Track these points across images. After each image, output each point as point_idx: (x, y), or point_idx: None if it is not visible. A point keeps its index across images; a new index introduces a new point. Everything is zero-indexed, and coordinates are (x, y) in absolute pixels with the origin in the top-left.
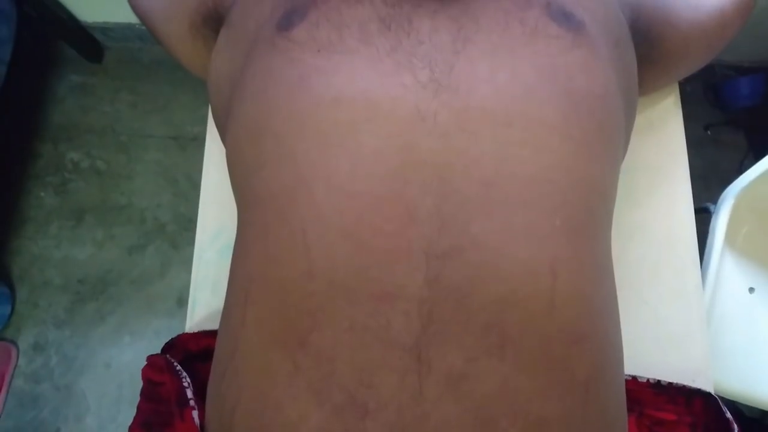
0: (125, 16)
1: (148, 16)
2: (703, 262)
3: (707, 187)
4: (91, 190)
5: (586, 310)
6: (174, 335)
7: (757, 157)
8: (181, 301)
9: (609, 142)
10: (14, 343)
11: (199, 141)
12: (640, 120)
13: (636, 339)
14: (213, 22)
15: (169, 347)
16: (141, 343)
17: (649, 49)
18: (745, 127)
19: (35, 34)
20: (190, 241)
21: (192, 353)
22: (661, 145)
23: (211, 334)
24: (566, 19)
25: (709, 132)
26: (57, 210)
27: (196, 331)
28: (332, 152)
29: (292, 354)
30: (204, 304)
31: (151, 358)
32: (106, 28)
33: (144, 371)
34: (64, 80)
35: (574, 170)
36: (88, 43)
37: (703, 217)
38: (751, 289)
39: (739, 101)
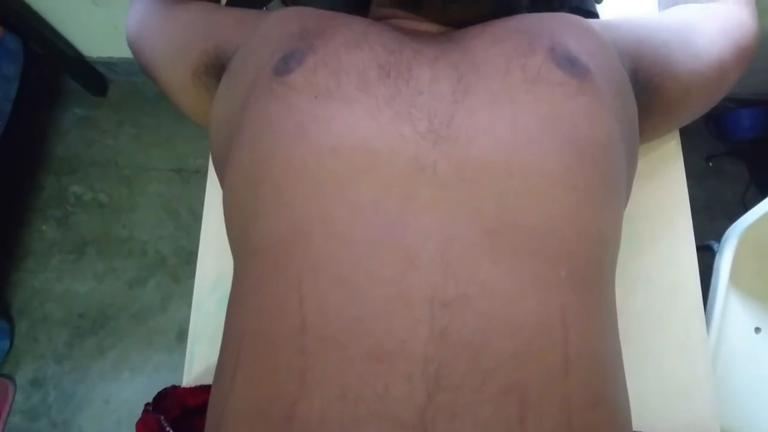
0: (130, 51)
1: (150, 64)
2: (708, 302)
3: (710, 219)
4: (93, 223)
5: (600, 368)
6: (173, 371)
7: (760, 189)
8: (181, 336)
9: (612, 192)
10: (11, 379)
11: (202, 174)
12: (640, 166)
13: (640, 393)
14: (215, 71)
15: (164, 397)
16: (140, 379)
17: (649, 99)
18: (747, 159)
19: (40, 69)
20: (191, 275)
21: (189, 408)
22: (662, 192)
23: (208, 389)
24: (571, 65)
25: (710, 163)
26: (59, 243)
27: (194, 385)
28: (330, 202)
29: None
30: (202, 357)
31: (145, 416)
32: (110, 63)
33: (138, 427)
34: (68, 113)
35: (577, 221)
36: (93, 77)
37: (706, 254)
38: (758, 329)
39: (739, 133)
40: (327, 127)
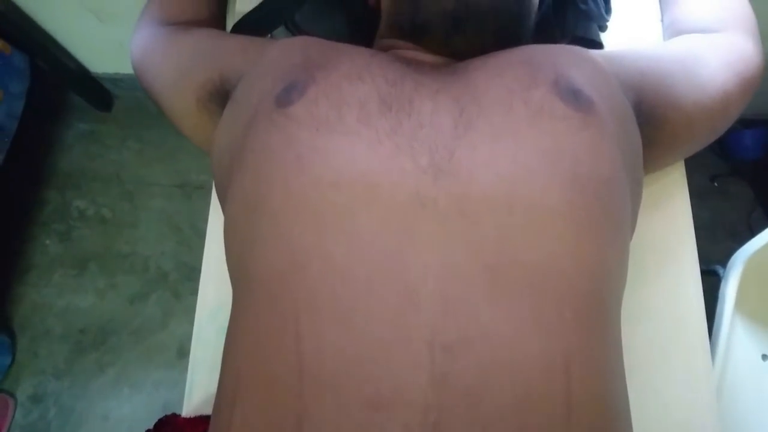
0: None
1: (153, 89)
2: (713, 328)
3: (714, 240)
4: (96, 238)
5: (604, 412)
6: (173, 388)
7: (765, 210)
8: (182, 352)
9: (616, 226)
10: (12, 395)
11: (205, 189)
12: (645, 197)
13: (644, 426)
14: (219, 99)
15: (164, 425)
16: (140, 396)
17: (653, 131)
18: (751, 179)
19: (46, 85)
20: (192, 291)
21: None
22: (667, 222)
23: (208, 420)
24: (575, 98)
25: (715, 183)
26: (61, 258)
27: (193, 416)
28: (328, 235)
29: None
30: (202, 386)
31: None
32: (116, 79)
33: None
34: (72, 128)
35: (580, 258)
36: (98, 92)
37: (711, 279)
38: (765, 356)
39: (743, 153)
40: (327, 159)
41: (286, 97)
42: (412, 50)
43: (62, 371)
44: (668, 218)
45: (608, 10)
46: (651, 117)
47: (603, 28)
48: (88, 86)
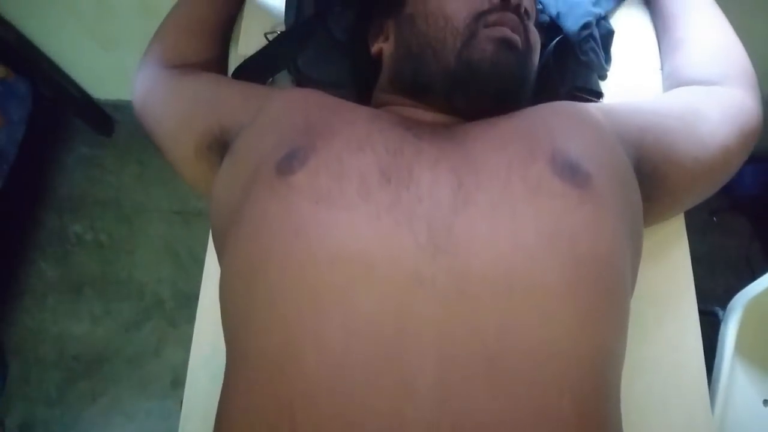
0: None
1: (154, 133)
2: (713, 373)
3: (713, 275)
4: (92, 263)
5: None
6: (166, 419)
7: (763, 246)
8: (175, 382)
9: (616, 305)
10: (1, 423)
11: (204, 216)
12: (645, 248)
13: None
14: (218, 148)
15: None
16: (132, 426)
17: (654, 187)
18: (750, 214)
19: (48, 110)
20: (188, 319)
21: None
22: (667, 275)
23: None
24: (572, 173)
25: (714, 218)
26: (56, 282)
27: None
28: (325, 316)
29: None
30: None
31: None
32: (118, 105)
33: None
34: (73, 152)
35: (580, 342)
36: (99, 117)
37: (710, 319)
38: (766, 402)
39: (742, 189)
40: (326, 234)
41: (287, 165)
42: (412, 107)
43: (54, 399)
44: (668, 269)
45: (608, 60)
46: (652, 175)
47: (603, 77)
48: (90, 111)
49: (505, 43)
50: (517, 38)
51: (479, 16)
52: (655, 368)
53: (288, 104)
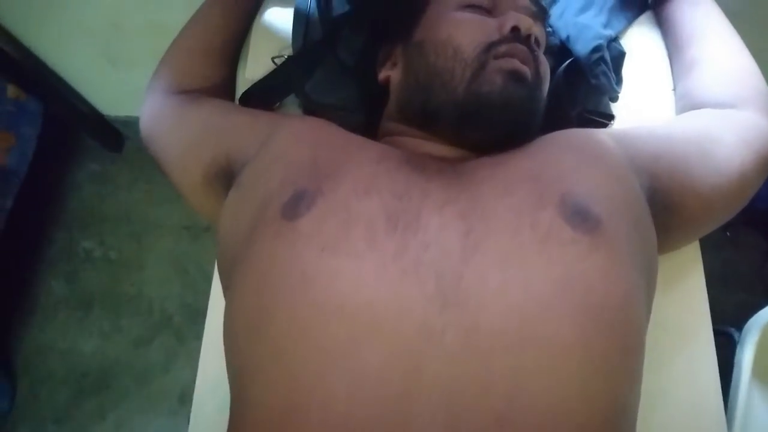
0: None
1: (161, 161)
2: (729, 397)
3: (726, 291)
4: (102, 280)
5: None
6: None
7: None
8: (183, 399)
9: (632, 353)
10: None
11: (213, 231)
12: (660, 275)
13: None
14: (225, 179)
15: None
16: None
17: (669, 217)
18: (764, 229)
19: (58, 127)
20: (197, 335)
21: None
22: (682, 303)
23: None
24: (582, 219)
25: (728, 233)
26: (66, 299)
27: None
28: (331, 372)
29: None
30: None
31: None
32: (128, 122)
33: None
34: (83, 168)
35: (593, 398)
36: (109, 133)
37: (724, 339)
38: None
39: (756, 203)
40: (332, 284)
41: (293, 208)
42: (419, 138)
43: (62, 416)
44: (684, 298)
45: (619, 82)
46: (666, 203)
47: (614, 99)
48: (100, 128)
49: (515, 76)
50: (526, 70)
51: (489, 47)
52: (672, 402)
53: (295, 138)
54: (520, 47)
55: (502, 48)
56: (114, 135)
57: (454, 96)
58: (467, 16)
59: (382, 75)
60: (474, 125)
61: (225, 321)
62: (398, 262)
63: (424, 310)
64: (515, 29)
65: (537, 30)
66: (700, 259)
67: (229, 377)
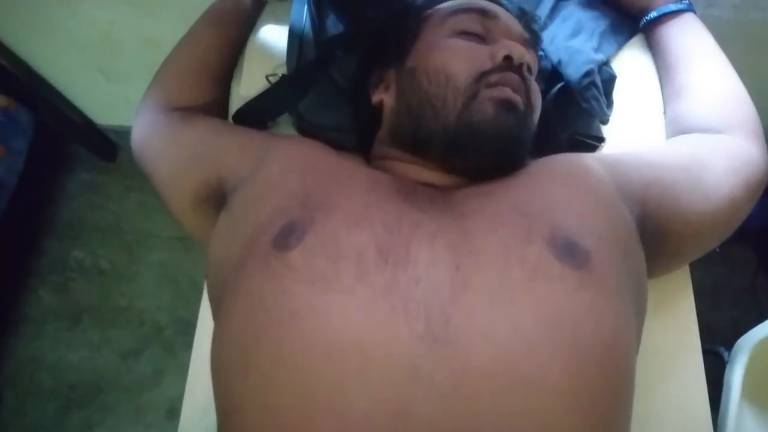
0: None
1: (152, 179)
2: (719, 418)
3: (717, 307)
4: (92, 291)
5: None
6: None
7: None
8: (172, 413)
9: (621, 390)
10: None
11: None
12: (650, 299)
13: None
14: (216, 200)
15: None
16: None
17: (658, 244)
18: (755, 245)
19: (49, 136)
20: (186, 347)
21: None
22: (672, 326)
23: None
24: (570, 254)
25: (717, 249)
26: (55, 310)
27: None
28: (317, 413)
29: None
30: None
31: None
32: (121, 131)
33: None
34: (75, 178)
35: None
36: (102, 143)
37: (713, 358)
38: None
39: (748, 220)
40: (320, 322)
41: (283, 240)
42: (411, 164)
43: (49, 429)
44: (674, 323)
45: (609, 105)
46: (656, 230)
47: (604, 122)
48: (93, 138)
49: (506, 105)
50: (518, 99)
51: (481, 76)
52: (661, 425)
53: (286, 163)
54: (512, 76)
55: (494, 77)
56: (107, 144)
57: (445, 123)
58: (460, 43)
59: (375, 98)
60: (464, 153)
61: (212, 352)
62: (388, 297)
63: (413, 350)
64: (508, 58)
65: (529, 57)
66: (690, 283)
67: (216, 408)
